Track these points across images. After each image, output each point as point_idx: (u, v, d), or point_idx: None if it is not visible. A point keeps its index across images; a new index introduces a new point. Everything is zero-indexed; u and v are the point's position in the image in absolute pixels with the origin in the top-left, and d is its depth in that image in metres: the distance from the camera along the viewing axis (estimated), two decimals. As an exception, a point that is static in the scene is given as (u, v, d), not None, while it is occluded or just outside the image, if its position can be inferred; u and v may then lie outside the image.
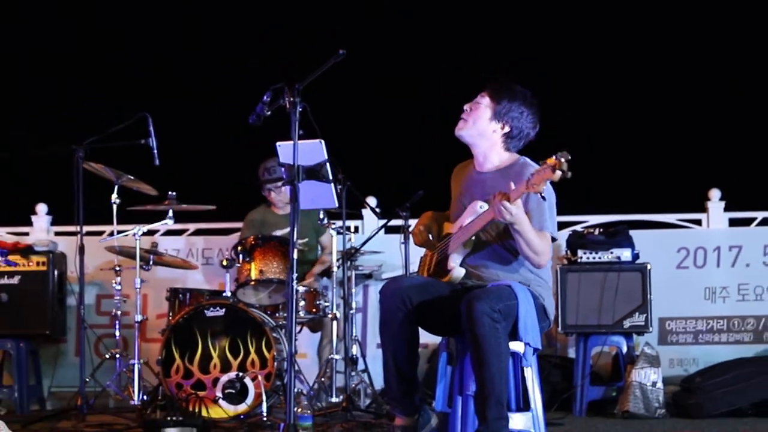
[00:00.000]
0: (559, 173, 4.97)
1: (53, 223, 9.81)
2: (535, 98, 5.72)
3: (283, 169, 5.50)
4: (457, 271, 5.55)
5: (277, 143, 5.73)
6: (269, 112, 5.51)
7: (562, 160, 4.97)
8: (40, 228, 9.75)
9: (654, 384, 7.80)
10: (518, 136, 5.68)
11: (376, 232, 8.38)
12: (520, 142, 5.71)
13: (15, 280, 8.65)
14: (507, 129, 5.65)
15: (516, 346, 5.43)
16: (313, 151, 5.64)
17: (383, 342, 5.66)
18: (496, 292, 5.33)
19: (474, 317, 5.21)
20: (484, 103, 5.66)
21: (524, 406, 5.58)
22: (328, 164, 5.70)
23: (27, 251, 8.75)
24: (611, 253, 8.20)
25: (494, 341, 5.21)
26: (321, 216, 8.11)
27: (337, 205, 6.36)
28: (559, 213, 5.64)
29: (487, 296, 5.27)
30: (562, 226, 8.85)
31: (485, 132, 5.67)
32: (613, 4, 11.81)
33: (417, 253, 6.24)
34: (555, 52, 11.69)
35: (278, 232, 8.50)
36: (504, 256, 5.56)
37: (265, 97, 5.50)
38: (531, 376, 5.54)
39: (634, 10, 11.74)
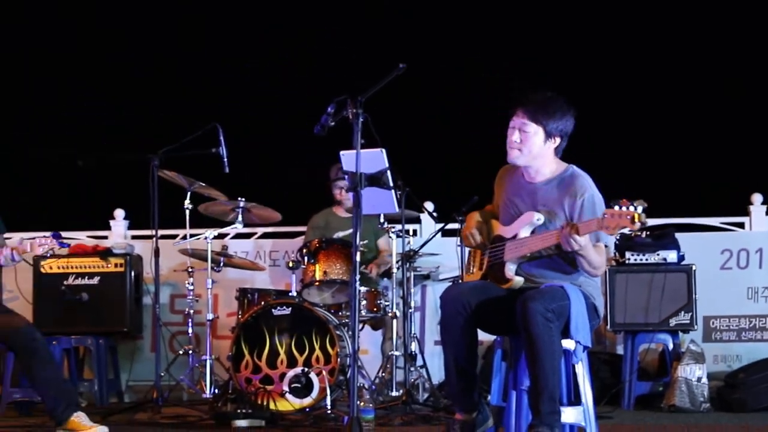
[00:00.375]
0: (638, 224, 4.95)
1: (130, 227, 9.87)
2: (561, 97, 5.65)
3: (346, 176, 5.50)
4: (517, 281, 5.53)
5: (341, 152, 5.72)
6: (333, 123, 5.52)
7: (640, 210, 4.94)
8: (118, 232, 9.80)
9: (699, 379, 7.75)
10: (566, 140, 5.65)
11: (434, 236, 8.39)
12: (566, 142, 5.67)
13: (95, 280, 8.72)
14: (558, 140, 5.60)
15: (567, 343, 5.42)
16: (374, 159, 5.62)
17: (444, 343, 5.64)
18: (549, 292, 5.33)
19: (528, 317, 5.22)
20: (532, 130, 5.51)
21: (575, 400, 5.56)
22: (388, 172, 5.69)
23: (106, 254, 8.82)
24: (658, 254, 8.16)
25: (548, 339, 5.23)
26: (381, 220, 8.12)
27: (397, 210, 6.36)
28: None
29: (541, 297, 5.28)
30: (610, 229, 8.79)
31: (541, 153, 5.57)
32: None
33: (472, 255, 6.21)
34: (611, 58, 11.58)
35: (340, 234, 8.51)
36: (563, 267, 5.52)
37: (329, 109, 5.50)
38: (582, 372, 5.53)
39: (678, 9, 11.59)
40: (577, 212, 5.41)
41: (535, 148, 5.54)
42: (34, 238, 6.60)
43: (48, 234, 6.57)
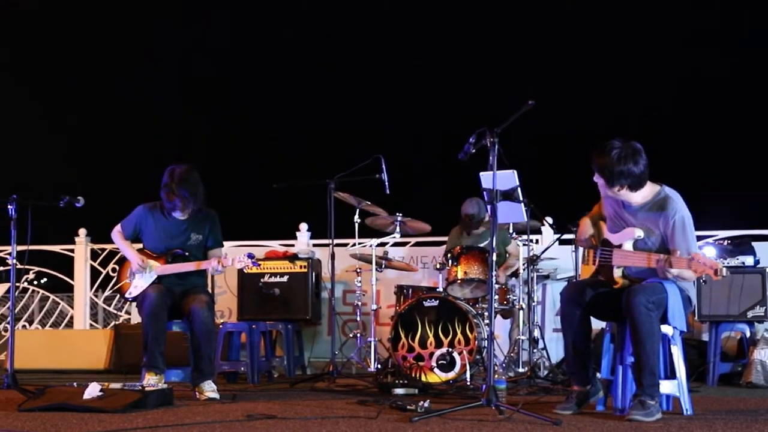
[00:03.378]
0: (720, 277, 4.99)
1: (312, 237, 9.92)
2: (624, 145, 5.36)
3: (485, 192, 5.43)
4: (624, 283, 5.47)
5: (480, 173, 5.67)
6: (474, 150, 5.46)
7: (721, 266, 5.00)
8: (303, 241, 9.87)
9: (772, 361, 7.51)
10: (643, 174, 5.38)
11: (553, 243, 8.29)
12: (647, 171, 5.41)
13: (284, 279, 8.77)
14: (640, 181, 5.39)
15: (666, 329, 5.36)
16: (507, 178, 5.56)
17: (564, 330, 5.57)
18: (650, 287, 5.29)
19: (632, 307, 5.19)
20: (621, 192, 5.38)
21: (671, 375, 5.46)
22: (518, 189, 5.62)
23: (293, 258, 8.88)
24: (737, 259, 7.93)
25: (649, 326, 5.18)
26: (510, 231, 8.05)
27: (525, 219, 6.25)
28: (695, 229, 5.49)
29: (644, 291, 5.24)
30: (698, 239, 8.54)
31: (642, 189, 5.43)
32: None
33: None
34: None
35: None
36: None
37: (471, 139, 5.46)
38: (677, 352, 5.46)
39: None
40: (669, 230, 5.34)
41: (633, 194, 5.42)
42: (235, 256, 6.69)
43: (245, 254, 6.66)
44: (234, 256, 6.68)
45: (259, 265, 7.94)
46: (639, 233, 5.40)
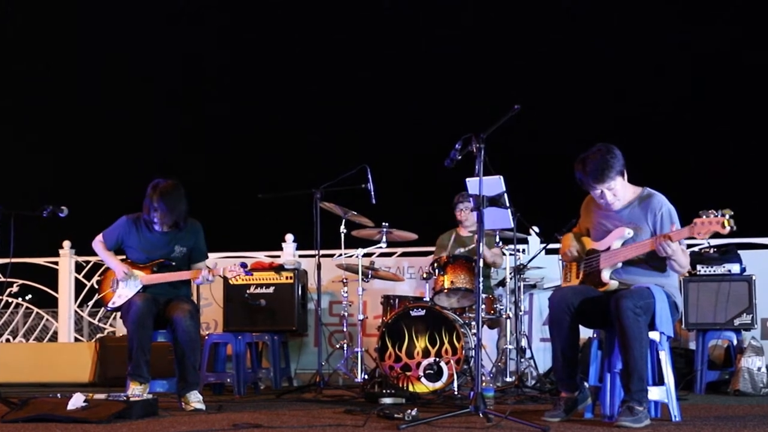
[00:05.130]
0: (728, 229, 4.93)
1: (298, 248, 9.87)
2: (598, 146, 5.49)
3: (471, 198, 5.42)
4: (613, 284, 5.45)
5: (466, 179, 5.66)
6: (460, 157, 5.45)
7: (728, 216, 4.91)
8: (288, 251, 9.83)
9: (759, 369, 7.52)
10: (623, 164, 5.48)
11: (539, 253, 8.28)
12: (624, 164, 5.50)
13: (270, 290, 8.73)
14: (624, 170, 5.49)
15: (653, 335, 5.35)
16: (493, 184, 5.56)
17: (552, 337, 5.57)
18: (637, 292, 5.29)
19: (620, 312, 5.18)
20: (614, 183, 5.42)
21: (659, 381, 5.45)
22: (505, 194, 5.61)
23: (279, 269, 8.84)
24: (723, 267, 7.94)
25: (637, 330, 5.17)
26: (497, 240, 8.03)
27: (512, 225, 6.23)
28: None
29: (631, 295, 5.24)
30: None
31: (625, 188, 5.51)
32: None
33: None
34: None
35: (461, 250, 8.41)
36: (650, 272, 5.44)
37: (456, 145, 5.44)
38: (665, 358, 5.45)
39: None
40: (658, 223, 5.39)
41: (623, 190, 5.49)
42: (226, 265, 6.67)
43: (238, 264, 6.63)
44: (225, 266, 6.66)
45: (252, 274, 7.92)
46: (629, 232, 5.41)
